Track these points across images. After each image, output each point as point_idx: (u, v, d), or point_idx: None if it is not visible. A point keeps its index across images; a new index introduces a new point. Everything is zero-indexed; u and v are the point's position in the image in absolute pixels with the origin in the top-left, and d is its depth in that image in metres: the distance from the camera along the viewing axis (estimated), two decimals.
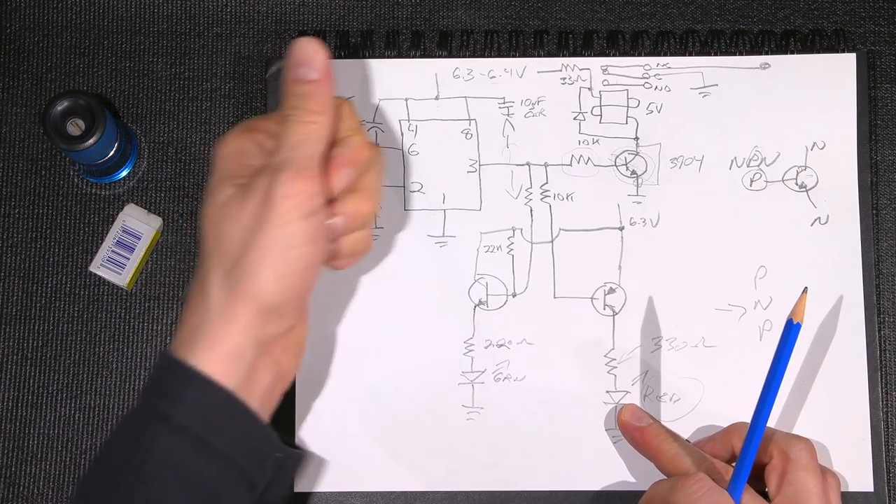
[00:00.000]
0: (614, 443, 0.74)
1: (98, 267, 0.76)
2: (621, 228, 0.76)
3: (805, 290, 0.69)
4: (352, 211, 0.65)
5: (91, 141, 0.73)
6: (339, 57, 0.78)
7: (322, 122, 0.63)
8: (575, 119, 0.77)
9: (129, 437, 0.61)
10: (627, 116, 0.77)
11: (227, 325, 0.61)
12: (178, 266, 0.77)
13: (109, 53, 0.79)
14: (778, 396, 0.68)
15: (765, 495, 0.68)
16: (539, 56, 0.78)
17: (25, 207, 0.78)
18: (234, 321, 0.61)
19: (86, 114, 0.73)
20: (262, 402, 0.63)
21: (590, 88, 0.77)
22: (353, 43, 0.78)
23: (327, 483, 0.74)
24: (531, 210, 0.76)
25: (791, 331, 0.68)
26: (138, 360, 0.76)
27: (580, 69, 0.77)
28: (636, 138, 0.77)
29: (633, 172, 0.77)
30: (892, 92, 0.78)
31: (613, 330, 0.75)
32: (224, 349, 0.60)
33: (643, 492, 0.69)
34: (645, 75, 0.77)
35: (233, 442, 0.61)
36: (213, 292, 0.61)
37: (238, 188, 0.62)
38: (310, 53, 0.64)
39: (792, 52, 0.78)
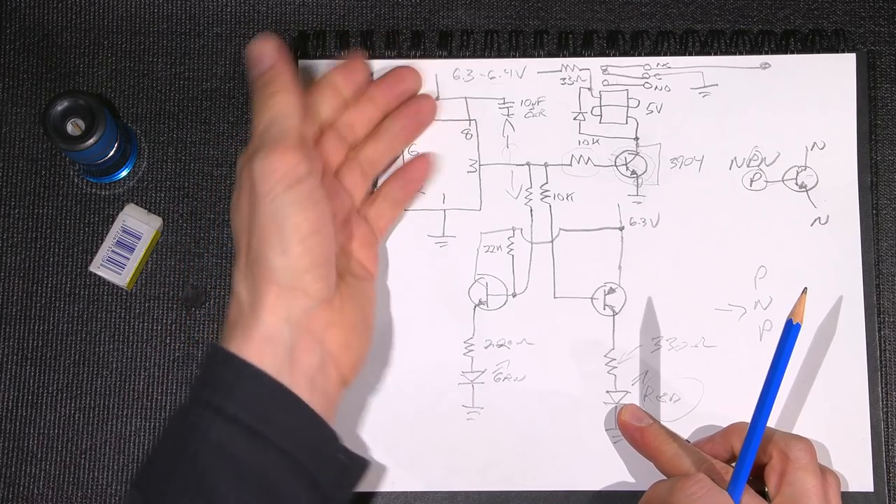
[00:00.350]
0: (614, 443, 0.74)
1: (98, 267, 0.76)
2: (621, 228, 0.76)
3: (805, 290, 0.69)
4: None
5: (91, 141, 0.73)
6: (339, 57, 0.78)
7: (286, 98, 0.65)
8: (575, 119, 0.77)
9: (182, 428, 0.61)
10: (627, 116, 0.77)
11: (254, 312, 0.62)
12: (178, 266, 0.77)
13: (109, 53, 0.79)
14: (778, 396, 0.68)
15: (764, 495, 0.68)
16: (539, 56, 0.78)
17: (25, 207, 0.78)
18: (260, 306, 0.62)
19: (86, 114, 0.73)
20: (311, 385, 0.63)
21: (590, 88, 0.77)
22: (353, 43, 0.78)
23: None
24: (531, 210, 0.76)
25: (791, 331, 0.68)
26: (138, 360, 0.76)
27: (580, 69, 0.77)
28: (636, 138, 0.77)
29: (633, 172, 0.77)
30: (892, 92, 0.78)
31: (613, 330, 0.75)
32: (256, 335, 0.62)
33: (643, 492, 0.69)
34: (645, 75, 0.77)
35: (286, 433, 0.61)
36: (239, 287, 0.64)
37: (237, 186, 0.65)
38: (259, 50, 0.67)
39: (792, 52, 0.78)
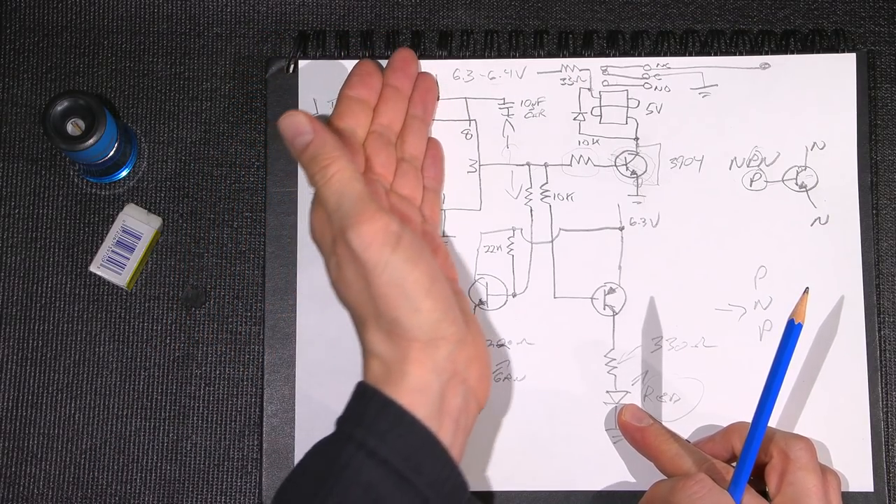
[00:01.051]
0: (614, 443, 0.74)
1: (98, 267, 0.76)
2: (621, 228, 0.76)
3: (806, 290, 0.69)
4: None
5: (91, 141, 0.73)
6: (339, 57, 0.78)
7: (342, 167, 0.65)
8: (575, 119, 0.77)
9: (330, 463, 0.62)
10: (627, 117, 0.77)
11: (402, 369, 0.63)
12: (178, 266, 0.77)
13: (109, 53, 0.79)
14: (778, 397, 0.68)
15: (765, 495, 0.68)
16: (539, 56, 0.78)
17: (25, 207, 0.78)
18: (406, 363, 0.63)
19: (86, 114, 0.73)
20: (456, 426, 0.65)
21: (590, 89, 0.77)
22: (353, 43, 0.78)
23: None
24: (531, 210, 0.76)
25: (792, 331, 0.68)
26: (138, 360, 0.76)
27: (580, 69, 0.77)
28: (636, 138, 0.77)
29: (633, 172, 0.77)
30: (892, 92, 0.78)
31: (613, 330, 0.75)
32: (407, 387, 0.63)
33: (643, 492, 0.69)
34: (645, 75, 0.77)
35: (431, 483, 0.62)
36: (378, 348, 0.64)
37: (334, 263, 0.66)
38: (294, 123, 0.66)
39: (792, 52, 0.78)
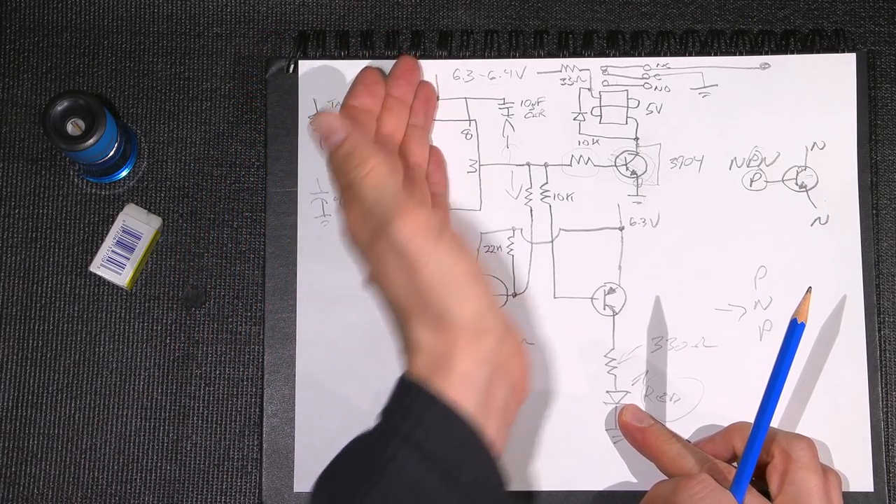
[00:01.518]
0: (614, 443, 0.75)
1: (98, 267, 0.76)
2: (621, 228, 0.76)
3: (809, 289, 0.69)
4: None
5: (91, 141, 0.73)
6: (339, 57, 0.78)
7: (378, 163, 0.65)
8: (575, 119, 0.77)
9: (376, 455, 0.61)
10: (627, 117, 0.77)
11: (450, 361, 0.63)
12: (178, 266, 0.77)
13: (109, 53, 0.79)
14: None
15: (766, 495, 0.68)
16: (539, 56, 0.78)
17: (25, 207, 0.78)
18: (454, 354, 0.63)
19: (86, 114, 0.73)
20: (500, 419, 0.64)
21: (590, 89, 0.77)
22: (353, 43, 0.78)
23: None
24: (531, 210, 0.76)
25: (795, 330, 0.68)
26: (138, 360, 0.76)
27: (580, 69, 0.77)
28: (636, 138, 0.77)
29: (633, 172, 0.77)
30: (892, 92, 0.78)
31: (613, 330, 0.75)
32: (455, 379, 0.62)
33: (644, 492, 0.69)
34: (645, 75, 0.77)
35: (474, 481, 0.62)
36: (426, 340, 0.64)
37: (374, 259, 0.65)
38: (327, 121, 0.67)
39: (792, 52, 0.78)
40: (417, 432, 0.61)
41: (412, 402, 0.62)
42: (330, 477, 0.63)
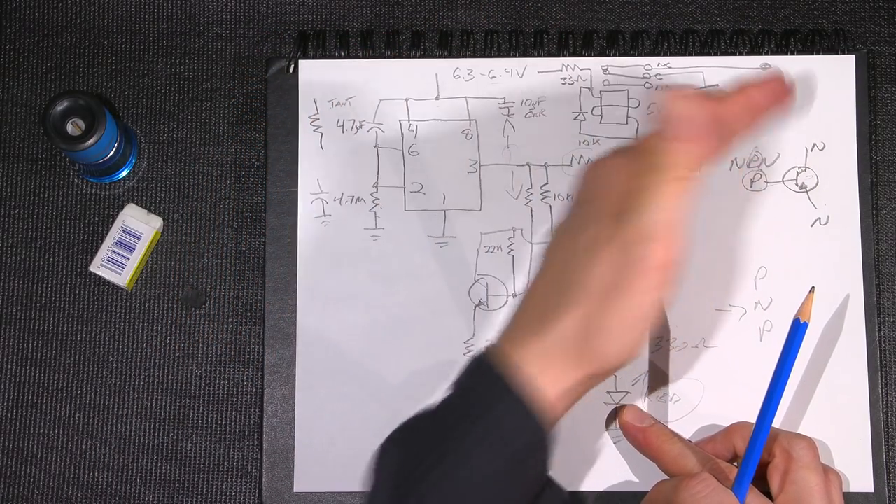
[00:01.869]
0: (615, 443, 0.74)
1: (98, 267, 0.76)
2: None
3: (812, 289, 0.69)
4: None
5: (91, 141, 0.73)
6: (339, 57, 0.78)
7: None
8: (575, 119, 0.77)
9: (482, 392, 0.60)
10: (628, 117, 0.77)
11: (565, 373, 0.59)
12: (178, 266, 0.77)
13: (109, 53, 0.79)
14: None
15: (767, 494, 0.68)
16: (539, 56, 0.78)
17: (25, 207, 0.78)
18: (577, 374, 0.60)
19: (86, 114, 0.73)
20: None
21: (590, 88, 0.77)
22: (353, 43, 0.78)
23: (327, 483, 0.74)
24: (531, 210, 0.76)
25: (798, 330, 0.68)
26: (138, 360, 0.76)
27: (580, 69, 0.77)
28: (636, 139, 0.77)
29: None
30: (892, 92, 0.78)
31: None
32: (559, 388, 0.60)
33: (645, 492, 0.69)
34: (645, 75, 0.77)
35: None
36: (558, 332, 0.59)
37: (590, 223, 0.60)
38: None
39: (792, 53, 0.78)
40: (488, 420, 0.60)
41: (487, 369, 0.60)
42: (402, 440, 0.63)
